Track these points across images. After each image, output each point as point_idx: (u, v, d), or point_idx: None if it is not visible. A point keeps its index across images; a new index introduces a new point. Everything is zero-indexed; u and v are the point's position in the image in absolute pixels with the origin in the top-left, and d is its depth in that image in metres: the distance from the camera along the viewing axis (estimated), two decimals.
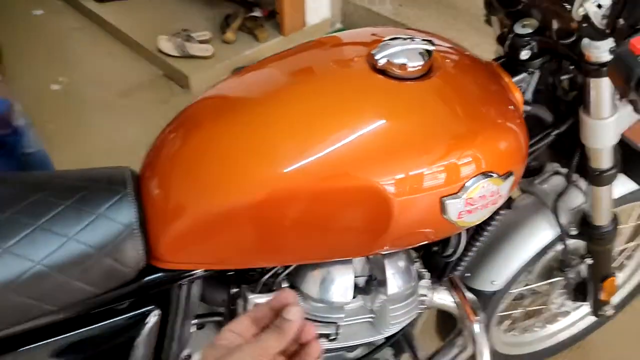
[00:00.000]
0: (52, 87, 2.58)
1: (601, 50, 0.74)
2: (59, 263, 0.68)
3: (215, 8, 2.87)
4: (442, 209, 0.73)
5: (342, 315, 0.86)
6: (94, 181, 0.74)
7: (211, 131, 0.75)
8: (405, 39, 0.76)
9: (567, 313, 1.51)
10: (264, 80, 0.81)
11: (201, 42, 2.63)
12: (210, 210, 0.72)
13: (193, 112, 0.80)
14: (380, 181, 0.70)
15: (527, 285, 1.31)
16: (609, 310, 1.31)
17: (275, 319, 0.56)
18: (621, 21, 0.56)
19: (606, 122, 0.83)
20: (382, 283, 0.88)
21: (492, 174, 0.73)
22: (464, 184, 0.72)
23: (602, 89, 0.79)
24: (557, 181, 1.16)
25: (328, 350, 0.93)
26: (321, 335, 0.86)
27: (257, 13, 2.73)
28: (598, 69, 0.75)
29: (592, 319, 1.49)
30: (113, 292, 0.74)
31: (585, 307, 1.46)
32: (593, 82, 0.79)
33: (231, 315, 0.92)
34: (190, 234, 0.73)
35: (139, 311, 0.77)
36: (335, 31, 2.86)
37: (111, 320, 0.76)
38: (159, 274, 0.76)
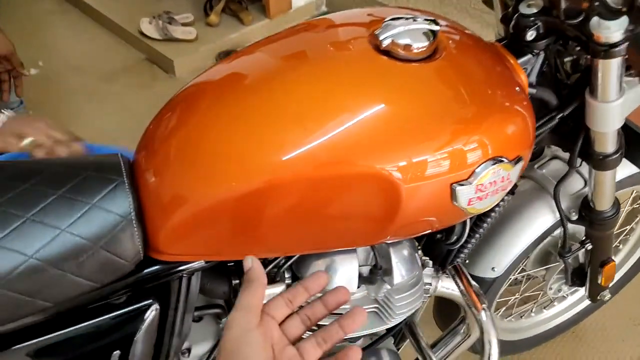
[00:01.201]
0: (31, 72, 2.51)
1: (612, 30, 0.71)
2: (53, 256, 0.64)
3: None
4: (452, 195, 0.71)
5: (347, 307, 0.84)
6: (83, 169, 0.69)
7: (208, 117, 0.71)
8: (407, 18, 0.73)
9: (563, 298, 1.51)
10: (260, 64, 0.77)
11: (184, 24, 2.57)
12: (211, 199, 0.68)
13: (187, 97, 0.76)
14: (387, 168, 0.67)
15: (524, 270, 1.30)
16: (606, 295, 1.30)
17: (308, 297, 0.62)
18: None
19: (613, 105, 0.81)
20: (388, 272, 0.85)
21: (502, 159, 0.71)
22: (474, 170, 0.70)
23: (611, 70, 0.77)
24: (556, 165, 1.14)
25: None
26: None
27: None
28: (608, 50, 0.73)
29: (586, 303, 1.49)
30: (110, 286, 0.71)
31: (581, 292, 1.46)
32: (602, 64, 0.77)
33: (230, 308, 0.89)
34: (189, 224, 0.70)
35: (137, 305, 0.74)
36: (322, 14, 2.81)
37: (109, 316, 0.73)
38: (158, 266, 0.73)
